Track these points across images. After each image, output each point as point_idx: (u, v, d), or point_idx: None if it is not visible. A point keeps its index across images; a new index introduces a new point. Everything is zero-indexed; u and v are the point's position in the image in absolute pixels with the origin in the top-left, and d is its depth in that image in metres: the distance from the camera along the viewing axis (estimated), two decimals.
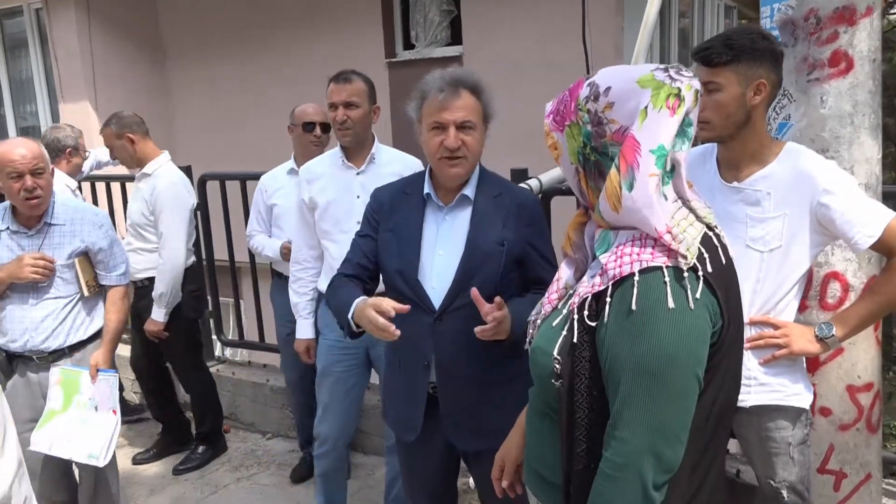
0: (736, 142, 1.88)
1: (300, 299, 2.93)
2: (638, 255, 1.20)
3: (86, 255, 2.73)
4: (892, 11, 11.09)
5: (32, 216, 2.65)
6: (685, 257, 1.18)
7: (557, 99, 1.31)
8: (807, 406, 1.94)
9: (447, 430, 2.04)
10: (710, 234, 1.27)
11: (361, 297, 1.92)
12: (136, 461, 3.81)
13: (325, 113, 3.17)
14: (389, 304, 1.80)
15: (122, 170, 4.35)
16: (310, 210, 2.80)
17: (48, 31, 7.02)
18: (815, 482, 2.19)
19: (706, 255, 1.21)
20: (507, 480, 1.63)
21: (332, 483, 2.92)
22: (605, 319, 1.21)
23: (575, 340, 1.25)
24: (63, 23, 6.85)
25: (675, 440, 1.17)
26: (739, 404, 1.85)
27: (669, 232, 1.19)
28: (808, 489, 2.00)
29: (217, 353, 4.50)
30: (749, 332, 1.89)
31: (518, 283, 2.03)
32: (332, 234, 2.77)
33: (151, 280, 3.54)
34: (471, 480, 3.12)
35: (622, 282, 1.19)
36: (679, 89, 1.19)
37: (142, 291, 3.61)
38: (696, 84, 1.22)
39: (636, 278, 1.18)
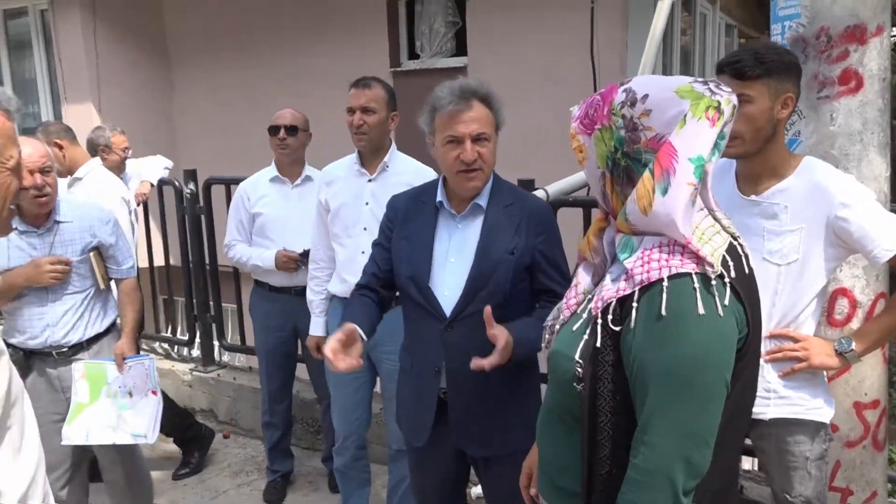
0: (760, 155, 1.87)
1: (315, 297, 2.97)
2: (667, 261, 1.21)
3: (97, 250, 2.76)
4: None
5: (40, 214, 2.65)
6: (712, 265, 1.19)
7: (587, 102, 1.32)
8: (827, 420, 1.94)
9: (457, 436, 2.05)
10: (735, 243, 1.28)
11: (351, 325, 1.90)
12: (177, 477, 3.72)
13: (297, 117, 3.23)
14: (329, 348, 1.81)
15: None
16: (325, 211, 2.84)
17: (53, 32, 7.04)
18: None
19: (731, 263, 1.23)
20: (534, 488, 1.63)
21: (349, 482, 2.98)
22: (632, 325, 1.22)
23: (598, 344, 1.26)
24: (68, 24, 6.86)
25: (705, 445, 1.18)
26: (759, 416, 1.88)
27: (694, 240, 1.21)
28: None
29: (217, 357, 4.49)
30: (768, 345, 1.90)
31: (529, 291, 2.05)
32: (341, 237, 2.80)
33: None
34: (474, 490, 3.12)
35: (650, 287, 1.21)
36: (719, 102, 1.21)
37: None
38: (735, 99, 1.24)
39: (665, 284, 1.19)
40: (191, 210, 4.15)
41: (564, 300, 1.42)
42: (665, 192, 1.20)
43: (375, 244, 2.19)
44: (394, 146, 2.84)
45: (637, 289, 1.22)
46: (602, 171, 1.31)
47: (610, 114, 1.27)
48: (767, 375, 1.90)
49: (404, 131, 6.66)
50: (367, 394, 2.91)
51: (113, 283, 2.89)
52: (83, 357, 2.74)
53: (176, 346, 4.90)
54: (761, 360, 1.87)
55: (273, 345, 3.40)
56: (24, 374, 2.68)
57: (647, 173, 1.22)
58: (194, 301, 4.31)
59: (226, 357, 4.63)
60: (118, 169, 4.26)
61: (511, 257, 1.98)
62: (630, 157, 1.26)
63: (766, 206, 1.88)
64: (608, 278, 1.32)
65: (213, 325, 4.37)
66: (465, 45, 6.06)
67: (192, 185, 4.15)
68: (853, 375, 2.29)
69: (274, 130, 3.24)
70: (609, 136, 1.27)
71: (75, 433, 2.70)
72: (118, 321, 2.89)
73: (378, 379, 2.92)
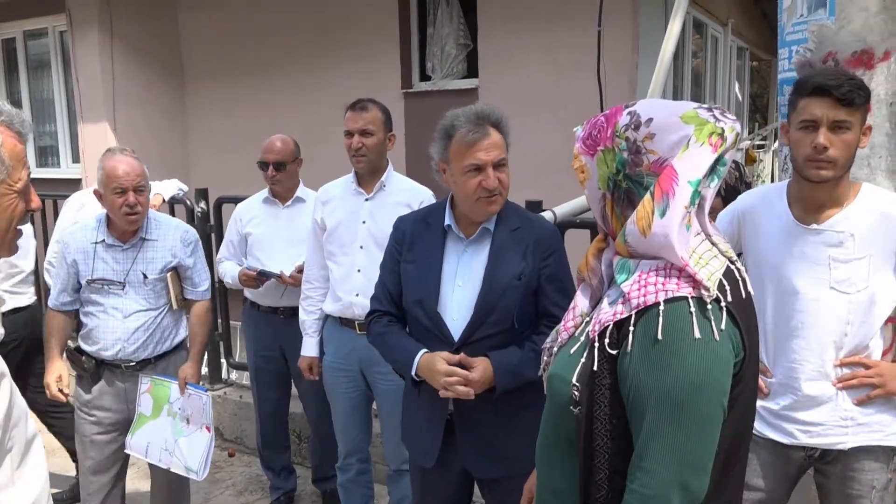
0: (835, 183, 1.84)
1: (308, 317, 2.99)
2: (663, 284, 1.20)
3: (175, 270, 2.83)
4: None
5: (128, 231, 2.73)
6: (708, 289, 1.18)
7: (590, 123, 1.33)
8: None
9: (464, 457, 2.05)
10: (732, 267, 1.28)
11: (424, 350, 2.00)
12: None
13: (285, 150, 3.26)
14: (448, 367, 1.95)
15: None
16: (321, 230, 2.85)
17: (71, 52, 7.14)
18: None
19: (728, 287, 1.22)
20: None
21: (353, 498, 2.99)
22: (629, 348, 1.21)
23: (595, 368, 1.26)
24: (86, 45, 6.96)
25: (702, 470, 1.17)
26: (837, 446, 1.87)
27: (691, 262, 1.21)
28: None
29: (224, 375, 4.49)
30: (839, 373, 1.88)
31: (534, 314, 2.05)
32: (336, 255, 2.83)
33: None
34: None
35: (646, 311, 1.20)
36: (723, 129, 1.21)
37: None
38: (738, 127, 1.24)
39: (661, 307, 1.18)
40: (201, 228, 4.17)
41: (563, 322, 1.42)
42: (663, 213, 1.20)
43: (384, 267, 2.20)
44: (391, 166, 2.86)
45: (634, 312, 1.21)
46: (603, 193, 1.31)
47: (614, 136, 1.27)
48: (843, 404, 1.88)
49: (415, 152, 6.68)
50: (365, 411, 2.93)
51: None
52: (149, 373, 2.80)
53: None
54: (834, 388, 1.86)
55: (262, 365, 3.42)
56: (94, 381, 2.80)
57: (647, 196, 1.22)
58: None
59: (233, 375, 4.63)
60: None
61: (519, 283, 1.99)
62: (631, 180, 1.26)
63: (831, 235, 1.85)
64: (606, 301, 1.32)
65: (221, 343, 4.38)
66: (477, 66, 6.11)
67: (202, 204, 4.19)
68: None
69: (263, 166, 3.29)
70: (612, 157, 1.27)
71: (137, 444, 2.78)
72: (187, 341, 2.95)
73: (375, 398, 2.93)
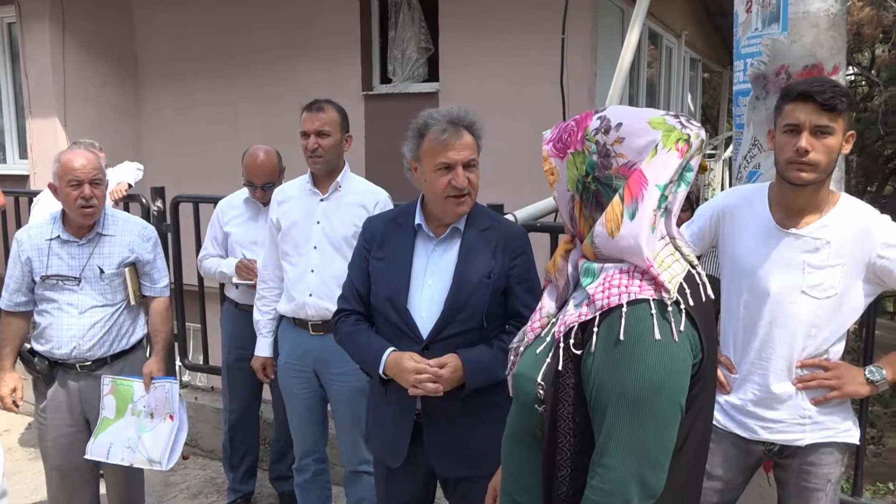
0: (815, 188, 1.88)
1: (262, 317, 2.98)
2: (626, 287, 1.24)
3: (133, 266, 2.78)
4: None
5: (83, 225, 2.69)
6: (668, 291, 1.23)
7: (560, 127, 1.36)
8: (857, 442, 2.00)
9: (431, 457, 2.06)
10: (694, 272, 1.32)
11: (391, 348, 2.01)
12: None
13: (271, 169, 3.21)
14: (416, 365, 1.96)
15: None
16: (276, 230, 2.85)
17: (20, 45, 6.95)
18: None
19: (688, 291, 1.27)
20: None
21: (310, 499, 2.98)
22: (592, 349, 1.25)
23: (560, 368, 1.29)
24: (36, 38, 6.78)
25: (659, 467, 1.21)
26: (795, 443, 1.96)
27: (653, 266, 1.25)
28: None
29: (178, 377, 4.41)
30: (799, 373, 1.96)
31: (503, 314, 2.07)
32: (291, 256, 2.82)
33: None
34: None
35: (610, 312, 1.24)
36: (689, 136, 1.26)
37: None
38: (703, 134, 1.29)
39: (624, 309, 1.22)
40: (157, 227, 4.09)
41: (529, 323, 1.45)
42: (633, 216, 1.24)
43: (353, 266, 2.20)
44: (347, 167, 2.86)
45: (598, 314, 1.25)
46: (572, 195, 1.34)
47: (584, 139, 1.31)
48: (802, 403, 1.96)
49: (375, 153, 6.67)
50: (320, 412, 2.93)
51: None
52: (105, 373, 2.74)
53: None
54: (795, 388, 1.94)
55: (236, 363, 3.39)
56: (48, 384, 2.73)
57: (616, 198, 1.26)
58: None
59: (187, 377, 4.56)
60: None
61: (488, 281, 2.01)
62: (601, 182, 1.30)
63: (809, 241, 1.91)
64: (571, 303, 1.36)
65: (176, 344, 4.31)
66: (438, 70, 6.14)
67: (159, 203, 4.11)
68: None
69: (251, 186, 3.26)
70: (581, 160, 1.31)
71: (99, 448, 2.70)
72: (144, 340, 2.90)
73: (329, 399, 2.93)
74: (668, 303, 1.23)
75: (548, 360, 1.32)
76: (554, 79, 4.86)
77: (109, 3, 7.10)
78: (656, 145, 1.25)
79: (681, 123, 1.27)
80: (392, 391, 2.06)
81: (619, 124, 1.28)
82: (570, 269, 1.40)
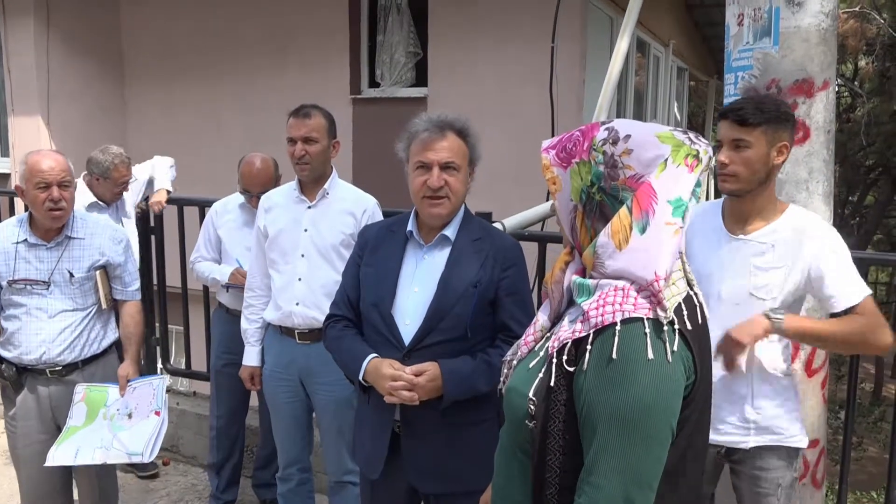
0: (751, 196, 2.00)
1: (250, 326, 2.94)
2: (621, 305, 1.23)
3: (104, 269, 2.73)
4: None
5: (51, 229, 2.63)
6: (665, 310, 1.21)
7: (562, 137, 1.35)
8: (802, 446, 2.05)
9: (408, 471, 2.03)
10: (692, 293, 1.31)
11: (373, 354, 1.99)
12: None
13: (267, 177, 3.18)
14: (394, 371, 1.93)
15: None
16: (264, 238, 2.81)
17: (3, 41, 6.85)
18: None
19: (685, 312, 1.25)
20: None
21: None
22: (585, 366, 1.23)
23: (552, 384, 1.27)
24: (20, 35, 6.69)
25: (648, 488, 1.20)
26: (739, 446, 2.02)
27: (663, 279, 1.22)
28: None
29: None
30: (750, 376, 2.02)
31: (491, 326, 2.04)
32: (278, 264, 2.78)
33: None
34: None
35: (603, 330, 1.22)
36: (698, 151, 1.25)
37: None
38: (710, 150, 1.28)
39: (618, 328, 1.21)
40: (141, 229, 4.06)
41: (523, 336, 1.43)
42: (643, 230, 1.23)
43: (346, 273, 2.18)
44: (335, 173, 2.83)
45: (592, 331, 1.24)
46: (574, 205, 1.33)
47: (590, 149, 1.29)
48: (747, 407, 2.02)
49: (362, 158, 6.64)
50: (305, 421, 2.90)
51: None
52: (76, 378, 2.69)
53: None
54: (742, 391, 1.99)
55: (225, 368, 3.35)
56: (16, 391, 2.66)
57: (624, 210, 1.25)
58: None
59: (168, 381, 4.50)
60: (107, 199, 3.84)
61: (474, 290, 1.98)
62: (606, 193, 1.28)
63: (755, 245, 2.00)
64: (567, 319, 1.34)
65: (158, 348, 4.26)
66: (426, 75, 6.12)
67: (143, 204, 4.06)
68: None
69: (247, 194, 3.22)
70: (587, 170, 1.30)
71: (62, 454, 2.62)
72: (114, 346, 2.85)
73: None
74: (664, 321, 1.22)
75: (540, 375, 1.30)
76: (543, 86, 4.85)
77: (96, 0, 7.02)
78: (665, 160, 1.24)
79: (689, 139, 1.26)
80: (373, 399, 2.04)
81: (628, 136, 1.27)
82: (566, 282, 1.38)
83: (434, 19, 5.97)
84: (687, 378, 1.24)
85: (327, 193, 2.77)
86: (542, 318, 1.41)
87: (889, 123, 13.34)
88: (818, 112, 2.27)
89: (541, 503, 1.30)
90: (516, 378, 1.38)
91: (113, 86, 7.27)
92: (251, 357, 2.95)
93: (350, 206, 2.75)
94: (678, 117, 9.94)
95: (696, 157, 1.25)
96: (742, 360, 1.97)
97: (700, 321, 1.30)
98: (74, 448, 2.64)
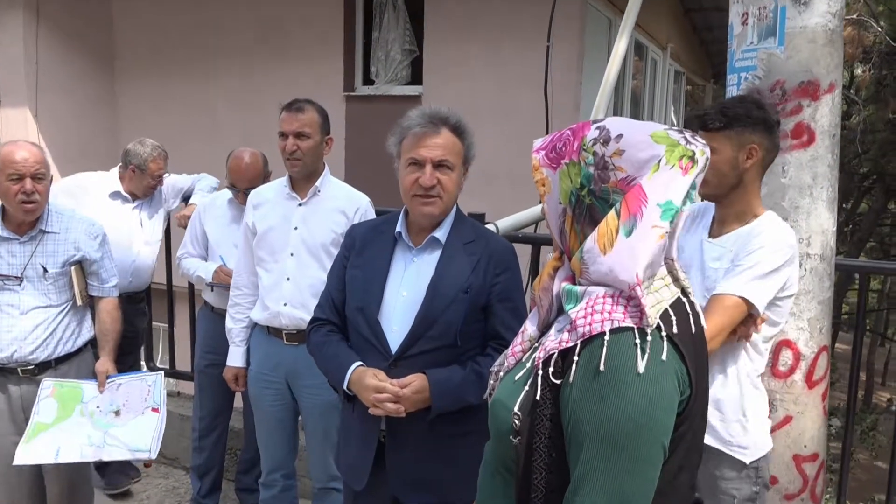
0: (726, 201, 1.96)
1: (235, 325, 2.85)
2: (610, 313, 1.14)
3: (80, 265, 2.65)
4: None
5: (24, 222, 2.55)
6: (648, 316, 1.13)
7: (553, 136, 1.26)
8: (747, 461, 1.94)
9: (392, 482, 1.95)
10: (684, 299, 1.23)
11: (358, 363, 1.91)
12: None
13: (256, 172, 3.09)
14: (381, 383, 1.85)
15: None
16: (252, 235, 2.73)
17: None
18: None
19: (673, 319, 1.17)
20: None
21: None
22: (571, 379, 1.15)
23: (537, 397, 1.19)
24: (9, 26, 6.59)
25: None
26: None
27: (640, 285, 1.14)
28: None
29: None
30: None
31: (482, 333, 1.96)
32: (267, 262, 2.70)
33: None
34: None
35: (591, 340, 1.14)
36: (693, 152, 1.17)
37: None
38: (708, 151, 1.20)
39: (606, 338, 1.12)
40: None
41: (511, 346, 1.35)
42: (629, 233, 1.14)
43: (331, 275, 2.09)
44: (327, 170, 2.74)
45: (579, 341, 1.15)
46: (564, 208, 1.24)
47: (580, 149, 1.21)
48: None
49: (355, 155, 6.56)
50: (291, 425, 2.81)
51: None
52: (49, 377, 2.60)
53: None
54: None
55: (209, 368, 3.26)
56: None
57: (612, 213, 1.16)
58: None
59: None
60: (138, 193, 3.67)
61: (465, 296, 1.90)
62: (596, 196, 1.20)
63: (716, 248, 1.96)
64: (554, 328, 1.25)
65: (143, 347, 4.16)
66: (421, 73, 6.06)
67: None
68: (794, 428, 2.28)
69: (234, 189, 3.14)
70: (576, 172, 1.21)
71: (35, 453, 2.52)
72: (90, 344, 2.77)
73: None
74: (649, 329, 1.13)
75: (526, 388, 1.22)
76: (538, 86, 4.79)
77: None
78: (659, 161, 1.16)
79: (685, 139, 1.17)
80: (359, 408, 1.95)
81: (620, 136, 1.18)
82: (555, 289, 1.30)
83: (430, 17, 5.91)
84: (681, 393, 1.15)
85: (319, 191, 2.68)
86: (530, 327, 1.33)
87: (884, 131, 13.36)
88: (823, 116, 2.20)
89: None
90: (502, 390, 1.29)
91: (103, 79, 7.17)
92: (236, 357, 2.86)
93: (342, 204, 2.67)
94: (675, 121, 9.90)
95: (692, 158, 1.16)
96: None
97: (694, 330, 1.21)
98: (54, 446, 2.54)
